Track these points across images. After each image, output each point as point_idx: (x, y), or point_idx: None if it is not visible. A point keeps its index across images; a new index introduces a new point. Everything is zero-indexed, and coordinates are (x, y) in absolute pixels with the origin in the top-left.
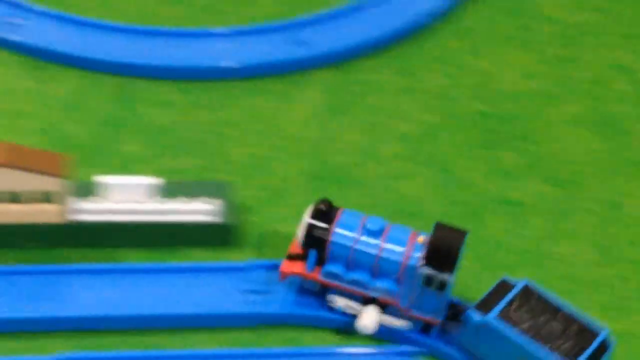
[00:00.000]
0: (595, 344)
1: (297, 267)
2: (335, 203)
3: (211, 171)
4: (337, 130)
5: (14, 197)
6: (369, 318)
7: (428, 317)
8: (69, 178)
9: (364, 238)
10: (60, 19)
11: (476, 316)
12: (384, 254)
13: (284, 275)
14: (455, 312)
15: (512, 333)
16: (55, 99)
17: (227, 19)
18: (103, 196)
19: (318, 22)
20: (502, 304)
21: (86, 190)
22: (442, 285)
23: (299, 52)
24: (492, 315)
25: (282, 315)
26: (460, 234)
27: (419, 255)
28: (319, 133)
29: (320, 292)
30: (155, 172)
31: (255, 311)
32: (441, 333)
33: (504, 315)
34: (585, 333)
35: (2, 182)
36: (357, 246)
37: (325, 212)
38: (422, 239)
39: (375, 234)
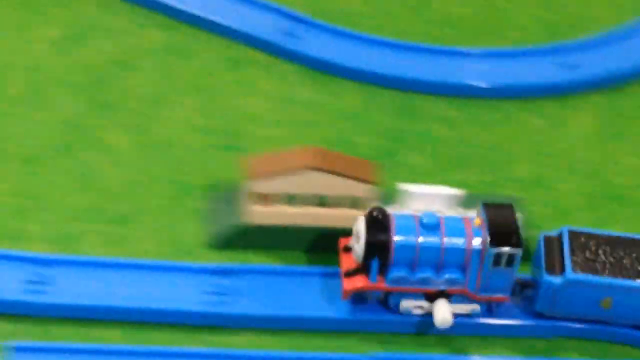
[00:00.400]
0: None
1: (360, 282)
2: (618, 224)
3: (494, 186)
4: (614, 152)
5: (322, 201)
6: (444, 312)
7: (497, 296)
8: (377, 185)
9: (424, 235)
10: (339, 33)
11: (555, 279)
12: (449, 245)
13: (348, 294)
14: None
15: (596, 278)
16: (338, 110)
17: (497, 40)
18: (404, 204)
19: (587, 46)
20: (567, 257)
21: (387, 198)
22: (511, 261)
23: (571, 76)
24: (569, 271)
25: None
26: (510, 206)
27: (480, 238)
28: (596, 155)
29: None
30: (441, 185)
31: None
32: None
33: (576, 266)
34: None
35: (314, 186)
36: (421, 244)
37: (380, 219)
38: (478, 221)
39: (433, 227)
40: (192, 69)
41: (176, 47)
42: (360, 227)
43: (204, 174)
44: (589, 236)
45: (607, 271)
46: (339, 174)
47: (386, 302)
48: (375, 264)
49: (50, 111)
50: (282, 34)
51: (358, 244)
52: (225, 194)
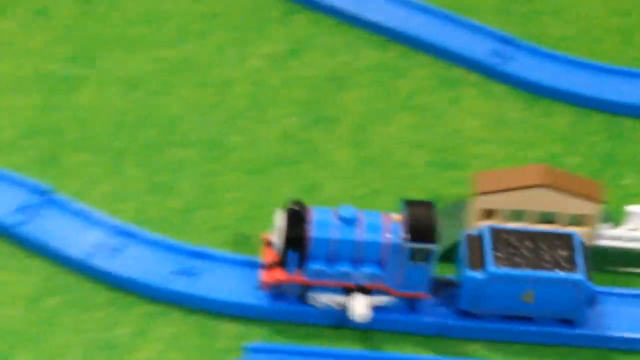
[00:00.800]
0: (578, 247)
1: (278, 274)
2: None
3: None
4: None
5: (546, 218)
6: (362, 305)
7: (416, 293)
8: (602, 203)
9: (341, 229)
10: (549, 55)
11: (477, 274)
12: (365, 239)
13: (267, 286)
14: (441, 285)
15: (517, 272)
16: (548, 131)
17: None
18: (629, 224)
19: None
20: (489, 252)
21: (610, 216)
22: (427, 256)
23: None
24: (491, 265)
25: None
26: (430, 205)
27: (397, 234)
28: None
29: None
30: None
31: None
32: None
33: (498, 260)
34: (562, 240)
35: (542, 203)
36: (338, 237)
37: (299, 212)
38: (397, 217)
39: (351, 221)
40: (406, 87)
41: (389, 66)
42: (279, 221)
43: (424, 189)
44: (511, 232)
45: (528, 264)
46: (569, 192)
47: (305, 296)
48: (293, 257)
49: (273, 123)
50: (493, 55)
51: (278, 237)
52: (448, 209)
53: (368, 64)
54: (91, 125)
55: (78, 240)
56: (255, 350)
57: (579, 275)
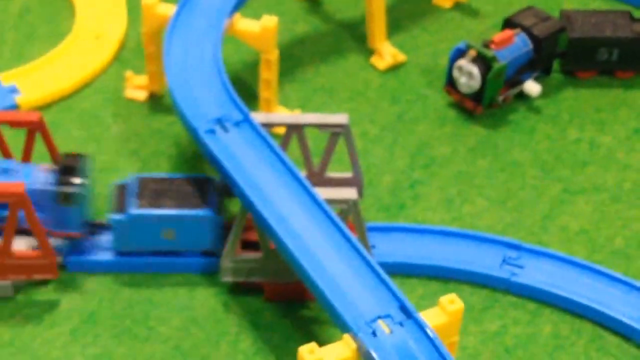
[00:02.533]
0: (212, 188)
1: None
2: None
3: None
4: None
5: None
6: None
7: (71, 233)
8: None
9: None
10: None
11: (120, 216)
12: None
13: None
14: (99, 228)
15: (152, 212)
16: None
17: None
18: None
19: None
20: (132, 197)
21: None
22: (71, 199)
23: None
24: (132, 208)
25: None
26: (79, 156)
27: (43, 180)
28: None
29: None
30: None
31: None
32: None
33: (137, 204)
34: (198, 184)
35: None
36: None
37: None
38: (49, 166)
39: (5, 171)
40: None
41: None
42: None
43: None
44: (156, 180)
45: (165, 205)
46: None
47: None
48: None
49: None
50: None
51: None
52: None
53: None
54: None
55: None
56: None
57: (206, 212)
